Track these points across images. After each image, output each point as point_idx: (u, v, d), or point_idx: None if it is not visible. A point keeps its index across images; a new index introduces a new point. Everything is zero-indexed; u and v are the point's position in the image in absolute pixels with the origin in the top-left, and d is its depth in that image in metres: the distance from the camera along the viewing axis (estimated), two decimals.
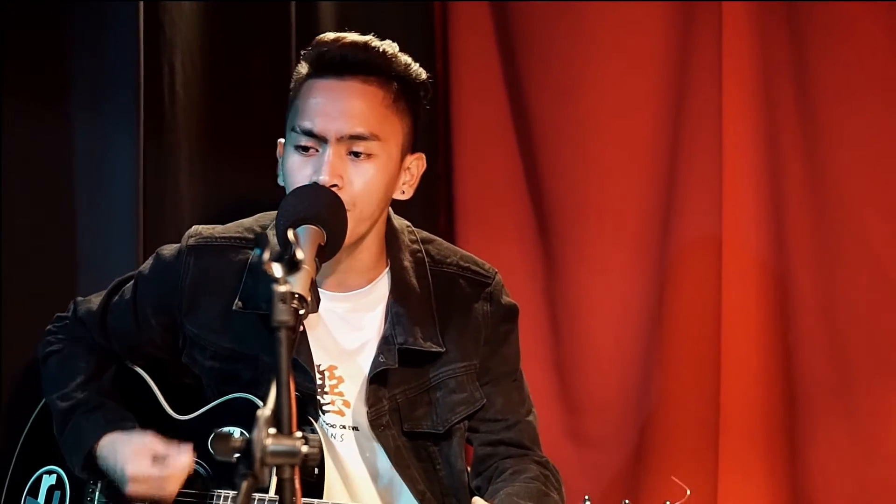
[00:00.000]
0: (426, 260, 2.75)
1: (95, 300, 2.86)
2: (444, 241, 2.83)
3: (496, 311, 2.76)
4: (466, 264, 2.78)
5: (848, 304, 3.59)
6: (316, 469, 2.57)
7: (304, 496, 2.51)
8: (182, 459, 2.56)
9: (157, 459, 2.58)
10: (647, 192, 3.77)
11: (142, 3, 3.24)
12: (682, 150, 3.74)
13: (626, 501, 2.38)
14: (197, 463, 2.64)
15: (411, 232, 2.79)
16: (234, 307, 2.65)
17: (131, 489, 2.59)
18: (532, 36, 3.86)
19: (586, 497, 2.39)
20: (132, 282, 2.83)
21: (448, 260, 2.77)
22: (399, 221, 2.78)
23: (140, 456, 2.60)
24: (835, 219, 3.61)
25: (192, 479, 2.63)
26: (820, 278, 3.63)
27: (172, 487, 2.58)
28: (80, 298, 2.90)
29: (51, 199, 3.28)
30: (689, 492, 2.34)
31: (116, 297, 2.83)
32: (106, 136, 3.28)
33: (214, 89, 3.45)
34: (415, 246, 2.76)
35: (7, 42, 3.20)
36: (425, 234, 2.81)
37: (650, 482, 3.67)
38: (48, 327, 2.91)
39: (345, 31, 2.66)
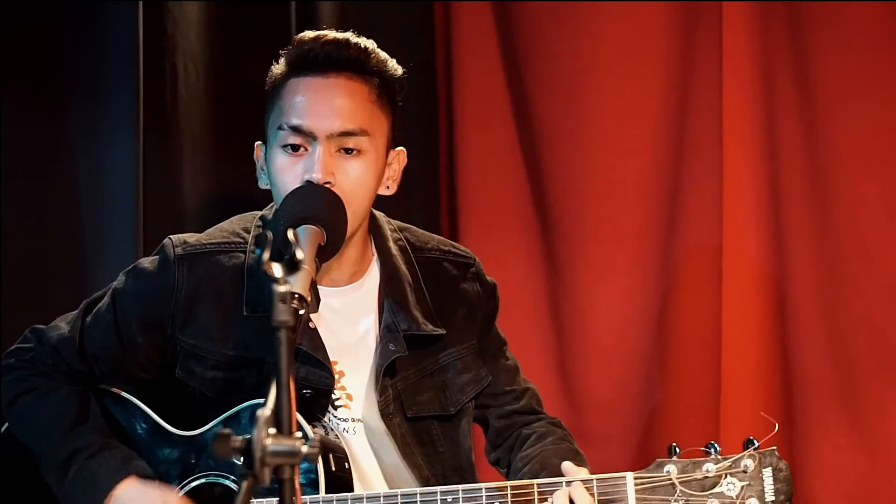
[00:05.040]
0: (408, 247, 2.77)
1: (64, 326, 2.68)
2: (417, 228, 2.85)
3: (485, 290, 2.80)
4: (447, 248, 2.82)
5: (848, 306, 3.60)
6: (346, 463, 2.57)
7: (338, 491, 2.50)
8: None
9: None
10: (650, 191, 3.78)
11: (141, 4, 3.25)
12: (683, 151, 3.75)
13: (674, 444, 2.39)
14: (223, 477, 2.61)
15: (388, 221, 2.80)
16: (243, 313, 2.61)
17: None
18: (535, 37, 3.86)
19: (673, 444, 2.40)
20: (107, 300, 2.68)
21: (428, 245, 2.80)
22: (377, 213, 2.78)
23: None
24: (835, 221, 3.62)
25: (221, 495, 2.58)
26: (820, 279, 3.63)
27: None
28: (39, 327, 2.71)
29: (51, 198, 3.28)
30: (777, 426, 2.37)
31: (90, 319, 2.68)
32: (106, 136, 3.29)
33: (215, 89, 3.46)
34: (395, 234, 2.78)
35: (7, 42, 3.21)
36: (398, 222, 2.83)
37: None
38: (8, 361, 2.69)
39: (323, 29, 2.65)
